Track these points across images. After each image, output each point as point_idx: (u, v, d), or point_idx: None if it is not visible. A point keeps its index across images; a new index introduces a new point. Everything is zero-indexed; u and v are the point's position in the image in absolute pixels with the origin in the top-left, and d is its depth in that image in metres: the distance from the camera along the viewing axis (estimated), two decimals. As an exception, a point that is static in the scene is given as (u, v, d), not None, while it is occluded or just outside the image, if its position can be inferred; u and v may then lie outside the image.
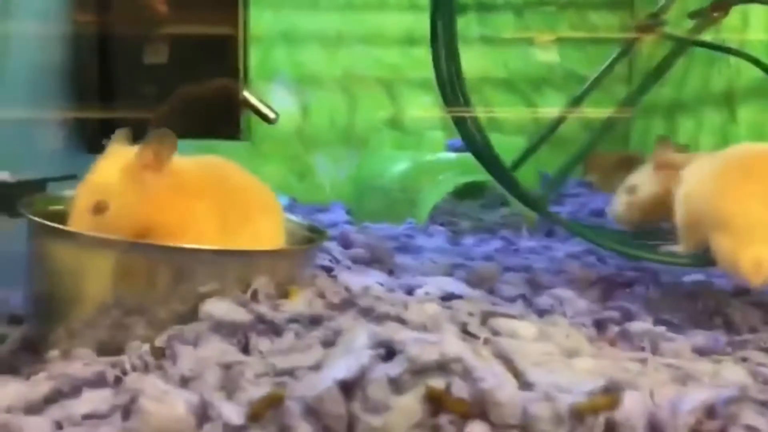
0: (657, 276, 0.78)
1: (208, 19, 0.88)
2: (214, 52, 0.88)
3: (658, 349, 0.62)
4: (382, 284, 0.68)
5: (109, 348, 0.52)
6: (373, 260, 0.75)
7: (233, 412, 0.38)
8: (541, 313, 0.70)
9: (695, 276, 0.84)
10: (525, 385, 0.41)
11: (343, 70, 1.35)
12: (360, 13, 1.36)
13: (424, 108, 1.33)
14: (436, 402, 0.38)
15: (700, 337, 0.67)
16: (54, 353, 0.51)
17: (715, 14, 0.66)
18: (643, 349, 0.62)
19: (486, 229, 1.07)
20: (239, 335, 0.50)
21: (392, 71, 1.36)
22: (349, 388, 0.38)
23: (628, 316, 0.69)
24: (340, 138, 1.37)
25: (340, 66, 1.35)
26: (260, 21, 1.33)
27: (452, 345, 0.40)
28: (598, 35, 1.33)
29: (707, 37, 0.89)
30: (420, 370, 0.38)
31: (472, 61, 1.39)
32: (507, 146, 1.03)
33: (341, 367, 0.39)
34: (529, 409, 0.38)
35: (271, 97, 1.34)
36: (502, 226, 1.07)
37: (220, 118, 0.87)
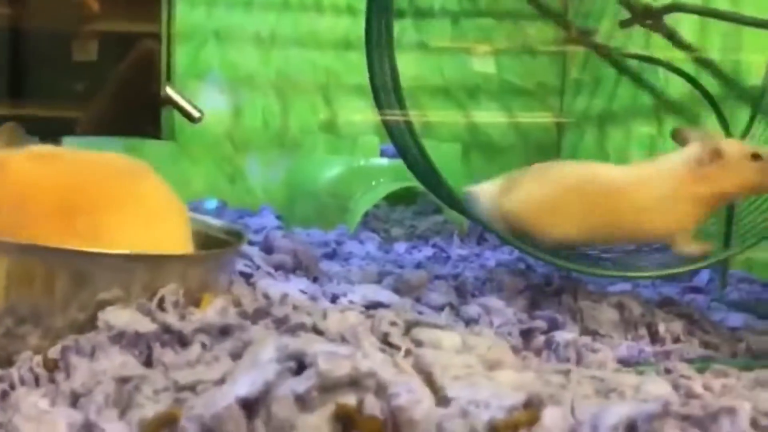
0: (585, 285, 0.78)
1: (128, 15, 0.84)
2: (118, 51, 0.84)
3: (582, 359, 0.61)
4: (304, 292, 0.65)
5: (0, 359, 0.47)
6: (298, 267, 0.71)
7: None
8: (468, 322, 0.68)
9: (622, 286, 0.84)
10: (443, 400, 0.38)
11: (277, 72, 1.32)
12: (295, 15, 1.33)
13: (359, 112, 1.30)
14: (346, 420, 0.35)
15: (625, 348, 0.66)
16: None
17: (648, 22, 0.66)
18: (568, 359, 0.61)
19: (418, 236, 1.05)
20: (141, 346, 0.46)
21: (327, 74, 1.33)
22: (251, 405, 0.35)
23: (555, 326, 0.68)
24: (273, 141, 1.33)
25: (274, 67, 1.32)
26: (191, 18, 1.28)
27: (366, 359, 0.37)
28: (533, 46, 1.33)
29: (637, 50, 0.90)
30: (330, 386, 0.35)
31: (408, 68, 1.38)
32: (441, 153, 1.01)
33: (244, 382, 0.35)
34: (445, 426, 0.36)
35: (202, 96, 1.30)
36: (435, 234, 1.05)
37: (140, 115, 0.83)
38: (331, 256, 0.91)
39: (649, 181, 0.70)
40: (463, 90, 1.37)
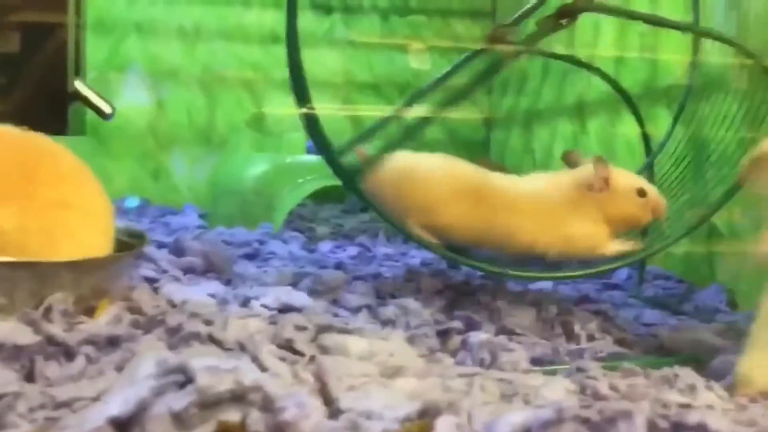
0: (504, 284, 0.77)
1: (34, 5, 0.79)
2: (40, 42, 0.79)
3: (497, 359, 0.61)
4: (213, 296, 0.62)
5: None
6: (209, 269, 0.69)
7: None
8: (386, 323, 0.67)
9: (543, 284, 0.84)
10: (336, 412, 0.37)
11: (202, 66, 1.28)
12: (221, 8, 1.29)
13: (287, 108, 1.27)
14: (228, 436, 0.33)
15: (540, 347, 0.66)
16: None
17: (563, 21, 0.65)
18: (482, 360, 0.61)
19: (344, 235, 1.03)
20: (23, 360, 0.43)
21: (254, 69, 1.30)
22: (125, 425, 0.33)
23: (472, 326, 0.68)
24: (199, 137, 1.29)
25: (198, 61, 1.28)
26: (112, 10, 1.23)
27: (252, 372, 0.35)
28: (462, 44, 1.33)
29: (560, 50, 0.90)
30: (211, 402, 0.33)
31: (337, 63, 1.36)
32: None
33: (117, 400, 0.33)
34: (334, 441, 0.34)
35: (123, 90, 1.25)
36: (361, 232, 1.04)
37: (46, 110, 0.79)
38: (252, 256, 0.88)
39: (539, 196, 0.71)
40: (392, 86, 1.36)
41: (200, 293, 0.61)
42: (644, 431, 0.39)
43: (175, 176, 1.28)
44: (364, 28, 1.36)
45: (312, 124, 0.69)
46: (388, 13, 1.36)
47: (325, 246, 0.97)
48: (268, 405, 0.34)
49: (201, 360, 0.35)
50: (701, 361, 0.64)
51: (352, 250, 0.96)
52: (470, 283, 0.77)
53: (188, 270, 0.67)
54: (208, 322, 0.47)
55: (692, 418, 0.41)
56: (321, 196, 1.11)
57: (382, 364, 0.43)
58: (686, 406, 0.46)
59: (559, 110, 1.16)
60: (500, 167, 1.28)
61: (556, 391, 0.43)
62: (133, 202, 1.21)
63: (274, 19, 1.29)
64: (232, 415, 0.34)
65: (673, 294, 0.86)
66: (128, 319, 0.48)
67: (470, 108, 1.35)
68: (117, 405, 0.33)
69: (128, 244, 0.57)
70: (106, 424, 0.32)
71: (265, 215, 1.03)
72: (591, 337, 0.70)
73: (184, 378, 0.36)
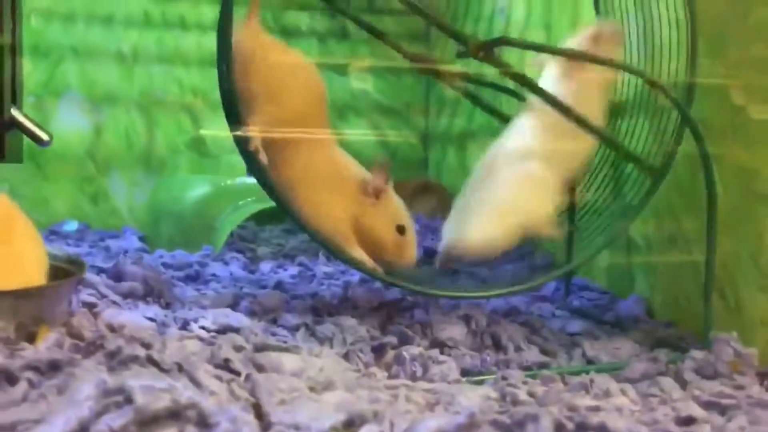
0: (437, 300, 0.82)
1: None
2: None
3: (428, 371, 0.65)
4: (153, 319, 0.65)
5: None
6: (149, 294, 0.71)
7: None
8: (323, 341, 0.70)
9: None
10: (267, 425, 0.40)
11: (141, 90, 1.29)
12: (159, 32, 1.31)
13: (225, 131, 1.30)
14: (165, 451, 0.36)
15: (469, 359, 0.71)
16: None
17: (480, 54, 0.71)
18: (414, 372, 0.64)
19: (284, 255, 1.06)
20: (-36, 387, 0.45)
21: (193, 92, 1.32)
22: (66, 443, 0.35)
23: (405, 341, 0.72)
24: (138, 160, 1.30)
25: (137, 85, 1.29)
26: (48, 34, 1.24)
27: (187, 390, 0.38)
28: (401, 65, 1.38)
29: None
30: (149, 420, 0.36)
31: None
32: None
33: (59, 422, 0.36)
34: (264, 451, 0.37)
35: (60, 114, 1.26)
36: (302, 252, 1.07)
37: None
38: (194, 278, 0.91)
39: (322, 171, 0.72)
40: (332, 108, 1.40)
41: (139, 317, 0.63)
42: (552, 429, 0.43)
43: (114, 199, 1.29)
44: (302, 50, 1.39)
45: (245, 145, 0.72)
46: (326, 36, 1.40)
47: (266, 266, 1.00)
48: (202, 420, 0.37)
49: (138, 380, 0.38)
50: (618, 368, 0.70)
51: (293, 270, 0.99)
52: (405, 300, 0.81)
53: (128, 294, 0.70)
54: (147, 345, 0.49)
55: (595, 419, 0.46)
56: (262, 217, 1.14)
57: (312, 379, 0.47)
58: (594, 409, 0.51)
59: (491, 130, 1.21)
60: (438, 186, 1.34)
61: (473, 398, 0.47)
62: (72, 225, 1.22)
63: (213, 43, 1.32)
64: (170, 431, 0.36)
65: (597, 305, 0.92)
66: (68, 344, 0.50)
67: (408, 129, 1.40)
68: (59, 426, 0.35)
69: (67, 271, 0.59)
70: (48, 443, 0.35)
71: (206, 238, 1.05)
72: (518, 348, 0.75)
73: (122, 398, 0.39)
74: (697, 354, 0.70)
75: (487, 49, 0.67)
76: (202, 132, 1.29)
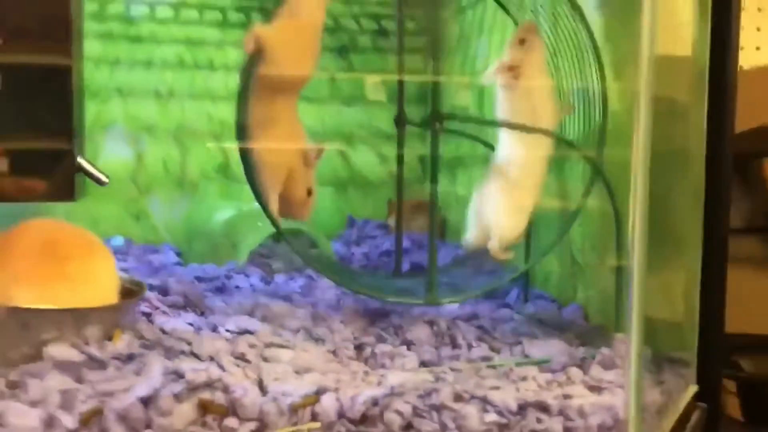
0: (410, 308, 1.09)
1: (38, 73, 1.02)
2: (44, 108, 1.04)
3: (395, 363, 0.92)
4: (191, 324, 0.93)
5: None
6: (188, 304, 1.00)
7: (69, 420, 0.62)
8: (317, 340, 0.98)
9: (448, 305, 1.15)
10: (265, 392, 0.68)
11: (175, 123, 1.58)
12: (190, 72, 1.60)
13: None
14: (204, 407, 0.64)
15: (428, 354, 0.97)
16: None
17: (437, 125, 0.97)
18: (383, 364, 0.91)
19: (295, 268, 1.34)
20: (74, 370, 0.73)
21: (220, 124, 1.61)
22: (147, 401, 0.64)
23: (381, 340, 0.99)
24: (173, 183, 1.59)
25: (172, 119, 1.59)
26: (97, 77, 1.54)
27: (217, 372, 0.66)
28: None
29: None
30: (194, 388, 0.65)
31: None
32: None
33: (142, 388, 0.64)
34: (263, 407, 0.65)
35: (107, 146, 1.55)
36: (309, 266, 1.35)
37: (54, 182, 1.05)
38: (221, 288, 1.19)
39: None
40: (340, 134, 1.68)
41: (182, 323, 0.92)
42: (449, 399, 0.70)
43: (153, 218, 1.58)
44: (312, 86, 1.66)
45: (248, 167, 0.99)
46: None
47: (279, 278, 1.28)
48: (226, 389, 0.65)
49: (186, 365, 0.66)
50: (545, 361, 0.96)
51: (301, 281, 1.27)
52: (384, 307, 1.08)
53: (172, 305, 0.98)
54: (189, 343, 0.77)
55: (482, 392, 0.72)
56: (278, 235, 1.42)
57: (299, 366, 0.75)
58: (496, 388, 0.78)
59: (475, 158, 1.48)
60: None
61: (400, 377, 0.74)
62: (118, 241, 1.52)
63: (237, 80, 1.60)
64: (206, 395, 0.64)
65: (546, 310, 1.18)
66: (137, 343, 0.79)
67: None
68: (142, 390, 0.63)
69: (130, 289, 0.88)
70: (137, 400, 0.63)
71: (231, 253, 1.34)
72: (470, 345, 1.01)
73: (176, 376, 0.67)
74: (605, 351, 0.96)
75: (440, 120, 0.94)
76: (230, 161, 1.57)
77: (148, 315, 0.92)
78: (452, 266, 1.28)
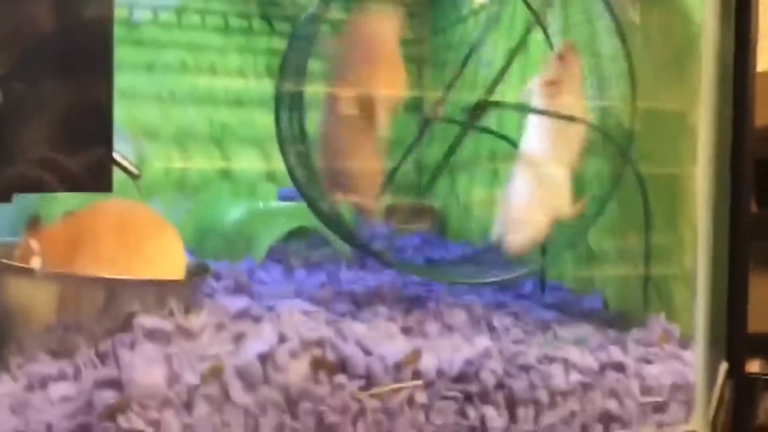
0: (445, 295, 1.13)
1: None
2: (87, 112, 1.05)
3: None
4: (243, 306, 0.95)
5: (60, 355, 0.74)
6: (237, 289, 1.01)
7: (192, 377, 0.64)
8: (364, 321, 1.01)
9: (470, 296, 1.20)
10: (365, 351, 0.71)
11: (177, 127, 1.59)
12: (192, 77, 1.61)
13: (251, 162, 1.61)
14: (317, 364, 0.67)
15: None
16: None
17: (477, 113, 1.03)
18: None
19: (312, 264, 1.36)
20: (163, 339, 0.74)
21: (221, 128, 1.62)
22: (263, 358, 0.65)
23: (423, 324, 1.02)
24: (174, 186, 1.59)
25: (174, 122, 1.59)
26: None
27: (323, 330, 0.69)
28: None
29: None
30: (306, 346, 0.67)
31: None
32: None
33: (257, 346, 0.66)
34: (370, 365, 0.68)
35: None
36: (326, 261, 1.37)
37: (91, 173, 1.05)
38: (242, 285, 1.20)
39: None
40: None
41: (236, 302, 0.93)
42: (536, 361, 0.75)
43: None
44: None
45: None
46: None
47: (300, 273, 1.30)
48: (335, 348, 0.68)
49: (298, 326, 0.68)
50: (582, 341, 1.02)
51: (322, 276, 1.29)
52: (420, 295, 1.12)
53: (225, 289, 1.00)
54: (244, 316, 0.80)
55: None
56: (287, 234, 1.44)
57: (387, 332, 0.78)
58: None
59: (476, 159, 1.54)
60: (431, 208, 1.66)
61: (485, 341, 0.79)
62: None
63: (238, 86, 1.62)
64: (318, 352, 0.67)
65: (564, 300, 1.24)
66: (214, 318, 0.81)
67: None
68: (259, 347, 0.65)
69: (199, 271, 0.89)
70: (255, 357, 0.65)
71: (245, 250, 1.35)
72: (506, 329, 1.06)
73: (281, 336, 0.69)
74: (636, 332, 1.02)
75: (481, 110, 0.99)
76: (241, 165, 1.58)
77: (209, 296, 0.93)
78: (466, 262, 1.33)
